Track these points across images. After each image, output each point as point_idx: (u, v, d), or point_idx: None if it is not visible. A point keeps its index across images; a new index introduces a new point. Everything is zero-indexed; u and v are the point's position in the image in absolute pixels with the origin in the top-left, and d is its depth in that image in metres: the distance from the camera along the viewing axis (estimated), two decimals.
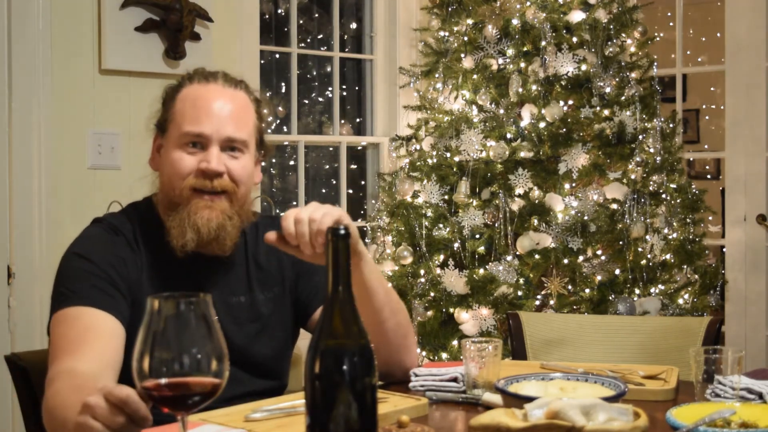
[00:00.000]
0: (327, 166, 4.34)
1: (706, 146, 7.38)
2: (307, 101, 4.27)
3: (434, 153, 3.70)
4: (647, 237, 3.44)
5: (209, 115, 1.75)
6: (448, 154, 3.63)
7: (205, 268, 1.81)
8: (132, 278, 1.74)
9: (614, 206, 3.40)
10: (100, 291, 1.69)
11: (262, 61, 3.86)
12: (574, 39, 3.52)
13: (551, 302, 3.32)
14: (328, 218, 1.64)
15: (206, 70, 1.83)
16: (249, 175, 1.81)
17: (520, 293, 3.34)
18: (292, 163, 4.15)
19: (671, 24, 5.14)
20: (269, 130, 4.04)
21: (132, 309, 1.70)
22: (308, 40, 4.23)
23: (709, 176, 7.36)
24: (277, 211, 4.11)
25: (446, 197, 3.62)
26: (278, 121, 4.12)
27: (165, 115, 1.81)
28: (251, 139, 1.81)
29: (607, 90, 3.51)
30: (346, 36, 4.35)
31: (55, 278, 1.76)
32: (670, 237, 3.54)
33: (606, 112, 3.47)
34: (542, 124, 3.44)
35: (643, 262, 3.40)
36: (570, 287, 3.34)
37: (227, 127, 1.76)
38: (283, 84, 4.11)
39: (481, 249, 3.48)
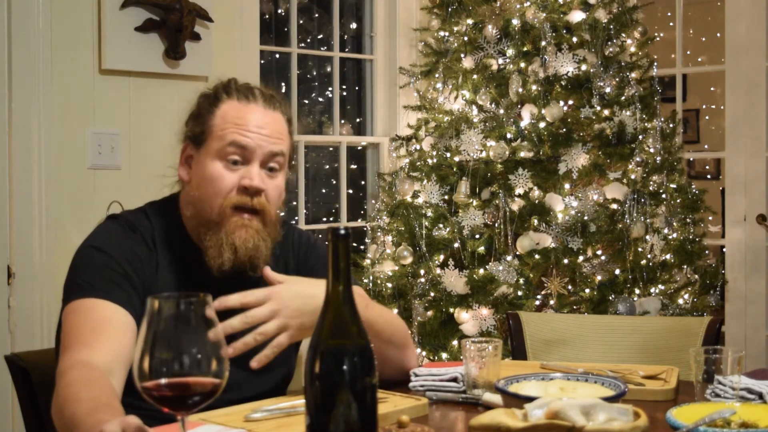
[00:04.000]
0: (327, 166, 4.34)
1: (706, 146, 7.38)
2: (307, 101, 4.27)
3: (434, 153, 3.70)
4: (647, 237, 3.44)
5: (252, 131, 1.77)
6: (448, 154, 3.63)
7: (231, 284, 1.75)
8: (146, 276, 1.75)
9: (614, 206, 3.40)
10: (116, 285, 1.69)
11: (262, 61, 3.86)
12: (574, 39, 3.52)
13: (551, 302, 3.32)
14: (279, 339, 1.64)
15: (243, 85, 1.84)
16: (280, 195, 1.84)
17: (520, 293, 3.34)
18: (292, 162, 4.15)
19: (671, 24, 5.14)
20: None
21: (143, 306, 1.70)
22: (308, 40, 4.23)
23: (709, 176, 7.36)
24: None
25: (446, 197, 3.62)
26: None
27: (201, 127, 1.80)
28: (286, 156, 1.84)
29: (607, 90, 3.52)
30: (346, 36, 4.35)
31: (69, 270, 1.76)
32: (670, 237, 3.55)
33: (606, 112, 3.47)
34: (542, 124, 3.44)
35: (643, 262, 3.40)
36: (570, 287, 3.34)
37: (269, 142, 1.78)
38: (283, 84, 4.11)
39: (481, 249, 3.48)
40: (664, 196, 3.54)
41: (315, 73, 4.30)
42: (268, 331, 1.63)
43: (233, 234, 1.73)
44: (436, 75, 3.78)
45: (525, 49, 3.59)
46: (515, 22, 3.58)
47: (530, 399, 1.40)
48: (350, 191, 4.30)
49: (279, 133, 1.80)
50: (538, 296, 3.38)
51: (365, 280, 3.62)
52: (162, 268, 1.78)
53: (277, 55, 4.06)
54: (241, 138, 1.76)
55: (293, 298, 1.67)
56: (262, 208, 1.77)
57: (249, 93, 1.81)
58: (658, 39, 3.93)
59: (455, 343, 3.47)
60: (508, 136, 3.52)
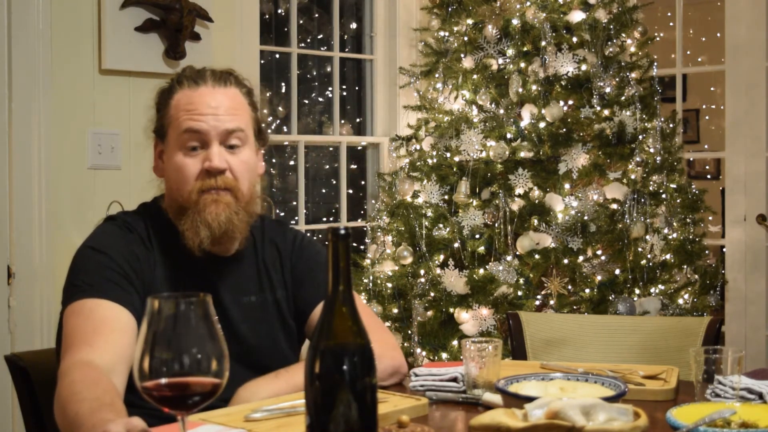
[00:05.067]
0: (327, 166, 4.34)
1: (706, 146, 7.38)
2: (307, 101, 4.27)
3: (434, 153, 3.70)
4: (647, 237, 3.44)
5: (204, 113, 1.78)
6: (448, 154, 3.63)
7: (217, 267, 1.83)
8: (146, 275, 1.76)
9: (614, 206, 3.40)
10: (116, 285, 1.70)
11: (262, 61, 3.86)
12: (574, 39, 3.52)
13: (551, 302, 3.32)
14: None
15: (194, 70, 1.85)
16: (250, 169, 1.83)
17: (520, 293, 3.34)
18: (292, 163, 4.15)
19: (671, 24, 5.14)
20: (270, 130, 4.05)
21: (144, 306, 1.71)
22: (308, 40, 4.23)
23: (709, 176, 7.36)
24: (277, 211, 4.11)
25: (446, 197, 3.62)
26: (278, 121, 4.12)
27: (161, 121, 1.84)
28: (248, 129, 1.83)
29: (607, 90, 3.52)
30: (346, 36, 4.35)
31: (69, 271, 1.77)
32: (670, 237, 3.54)
33: (606, 112, 3.47)
34: (542, 124, 3.44)
35: (643, 262, 3.40)
36: (570, 287, 3.34)
37: (223, 121, 1.78)
38: (283, 84, 4.11)
39: (481, 249, 3.48)
40: (664, 196, 3.54)
41: (315, 73, 4.30)
42: None
43: (204, 211, 1.75)
44: (436, 75, 3.78)
45: (525, 49, 3.59)
46: (515, 22, 3.58)
47: (530, 399, 1.40)
48: (350, 191, 4.30)
49: (233, 109, 1.80)
50: (538, 296, 3.38)
51: (365, 280, 3.62)
52: (159, 265, 1.79)
53: (277, 55, 4.06)
54: (193, 123, 1.77)
55: None
56: (230, 186, 1.78)
57: (198, 77, 1.82)
58: (658, 39, 3.93)
59: (455, 343, 3.47)
60: (508, 136, 3.52)
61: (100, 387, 1.49)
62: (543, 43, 3.50)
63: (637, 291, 3.37)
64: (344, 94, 4.33)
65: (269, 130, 4.02)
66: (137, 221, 1.83)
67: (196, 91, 1.80)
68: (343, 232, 1.13)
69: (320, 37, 4.27)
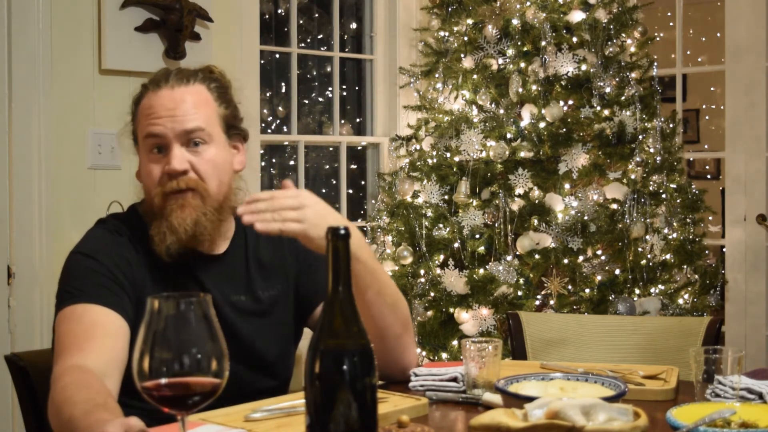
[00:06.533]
0: (327, 166, 4.34)
1: (706, 146, 7.38)
2: (307, 101, 4.27)
3: (434, 153, 3.70)
4: (647, 237, 3.44)
5: (162, 116, 1.77)
6: (448, 154, 3.63)
7: (205, 266, 1.82)
8: (136, 278, 1.75)
9: (614, 206, 3.40)
10: (106, 289, 1.70)
11: (262, 61, 3.86)
12: (574, 39, 3.52)
13: (551, 302, 3.32)
14: (291, 224, 1.66)
15: (161, 73, 1.84)
16: (218, 167, 1.79)
17: (520, 293, 3.34)
18: (292, 163, 4.15)
19: (671, 24, 5.14)
20: (269, 130, 4.05)
21: (135, 309, 1.71)
22: (308, 40, 4.23)
23: (709, 176, 7.36)
24: None
25: (446, 197, 3.62)
26: (278, 121, 4.12)
27: (132, 127, 1.86)
28: (213, 127, 1.80)
29: (607, 90, 3.51)
30: (346, 36, 4.35)
31: (60, 277, 1.77)
32: (670, 237, 3.54)
33: (606, 112, 3.47)
34: (542, 124, 3.44)
35: (643, 262, 3.40)
36: (570, 287, 3.34)
37: (180, 121, 1.76)
38: (283, 84, 4.11)
39: (481, 249, 3.48)
40: (664, 196, 3.54)
41: (315, 73, 4.30)
42: (288, 216, 1.65)
43: (170, 216, 1.74)
44: (436, 75, 3.78)
45: (525, 49, 3.59)
46: (515, 22, 3.58)
47: (530, 399, 1.40)
48: (350, 191, 4.30)
49: (192, 108, 1.78)
50: (538, 296, 3.38)
51: None
52: (148, 268, 1.78)
53: (277, 55, 4.06)
54: (152, 128, 1.77)
55: (318, 203, 1.70)
56: (194, 186, 1.76)
57: (162, 79, 1.81)
58: (658, 39, 3.93)
59: (455, 343, 3.47)
60: (508, 136, 3.52)
61: (92, 389, 1.49)
62: (543, 43, 3.50)
63: (637, 291, 3.37)
64: (344, 94, 4.33)
65: (269, 130, 4.03)
66: (127, 223, 1.83)
67: (156, 94, 1.79)
68: (343, 232, 1.13)
69: (320, 37, 4.27)
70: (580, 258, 3.35)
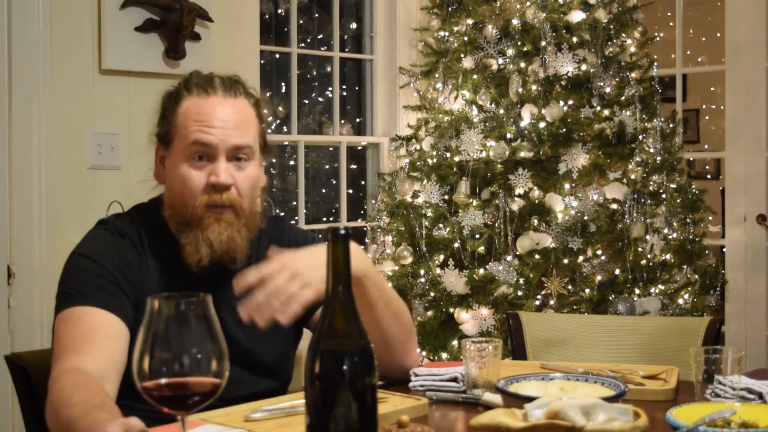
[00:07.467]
0: (327, 166, 4.34)
1: (706, 146, 7.38)
2: (307, 101, 4.27)
3: (434, 153, 3.70)
4: (647, 237, 3.44)
5: (214, 126, 1.74)
6: (448, 154, 3.63)
7: (213, 278, 1.79)
8: (136, 280, 1.75)
9: (614, 206, 3.40)
10: (106, 292, 1.69)
11: (262, 61, 3.86)
12: (574, 39, 3.52)
13: (551, 302, 3.32)
14: (302, 294, 1.60)
15: (203, 77, 1.81)
16: (253, 186, 1.80)
17: (520, 293, 3.34)
18: (292, 163, 4.15)
19: (671, 24, 5.14)
20: (269, 130, 4.05)
21: (135, 311, 1.71)
22: (308, 40, 4.23)
23: (709, 176, 7.36)
24: (277, 211, 4.11)
25: (446, 197, 3.62)
26: (278, 121, 4.12)
27: (167, 128, 1.80)
28: (255, 144, 1.80)
29: (607, 90, 3.51)
30: (346, 36, 4.35)
31: (60, 279, 1.76)
32: (670, 237, 3.54)
33: (606, 112, 3.47)
34: (542, 124, 3.44)
35: (643, 262, 3.40)
36: (570, 287, 3.34)
37: (232, 135, 1.75)
38: (283, 84, 4.11)
39: (481, 249, 3.48)
40: (664, 196, 3.54)
41: (315, 73, 4.30)
42: (291, 291, 1.60)
43: (207, 230, 1.73)
44: (436, 75, 3.78)
45: (525, 49, 3.59)
46: (515, 22, 3.58)
47: (530, 399, 1.40)
48: (350, 191, 4.30)
49: (242, 123, 1.77)
50: (538, 296, 3.38)
51: None
52: (151, 270, 1.78)
53: (277, 55, 4.06)
54: (203, 136, 1.74)
55: (306, 258, 1.64)
56: (234, 203, 1.76)
57: (208, 85, 1.79)
58: (658, 39, 3.93)
59: (455, 343, 3.47)
60: (508, 136, 3.52)
61: (90, 390, 1.48)
62: (543, 43, 3.50)
63: (637, 291, 3.37)
64: (344, 94, 4.33)
65: (269, 130, 4.03)
66: (129, 225, 1.82)
67: (206, 101, 1.77)
68: (342, 232, 1.13)
69: (320, 37, 4.27)
70: (580, 258, 3.35)
